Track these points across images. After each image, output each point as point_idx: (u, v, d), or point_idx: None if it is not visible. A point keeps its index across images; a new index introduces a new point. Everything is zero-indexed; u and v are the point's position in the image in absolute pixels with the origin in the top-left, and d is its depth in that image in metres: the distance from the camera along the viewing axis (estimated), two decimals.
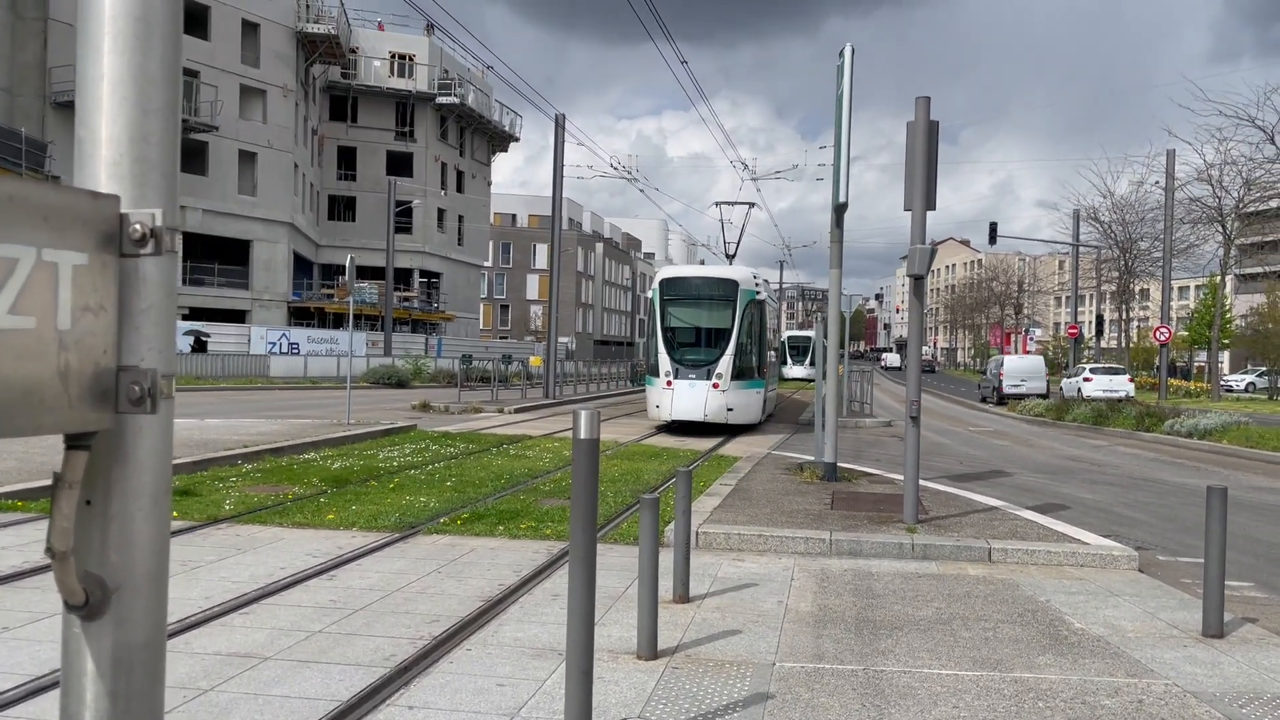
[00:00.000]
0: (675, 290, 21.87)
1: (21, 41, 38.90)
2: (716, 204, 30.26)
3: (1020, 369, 43.72)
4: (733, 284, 21.69)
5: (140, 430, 1.17)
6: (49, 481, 8.70)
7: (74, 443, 1.13)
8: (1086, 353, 71.45)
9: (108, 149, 1.17)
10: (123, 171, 1.17)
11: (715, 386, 20.69)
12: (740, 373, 21.29)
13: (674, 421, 20.85)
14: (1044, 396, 40.17)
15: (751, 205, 29.34)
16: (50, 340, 1.07)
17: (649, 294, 22.95)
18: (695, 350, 21.32)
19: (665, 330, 21.40)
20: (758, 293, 22.74)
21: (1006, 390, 42.02)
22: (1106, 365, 43.18)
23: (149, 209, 1.16)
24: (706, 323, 21.54)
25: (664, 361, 21.07)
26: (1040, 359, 47.64)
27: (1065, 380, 42.80)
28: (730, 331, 21.18)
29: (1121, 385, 38.62)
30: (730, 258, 29.86)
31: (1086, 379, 39.26)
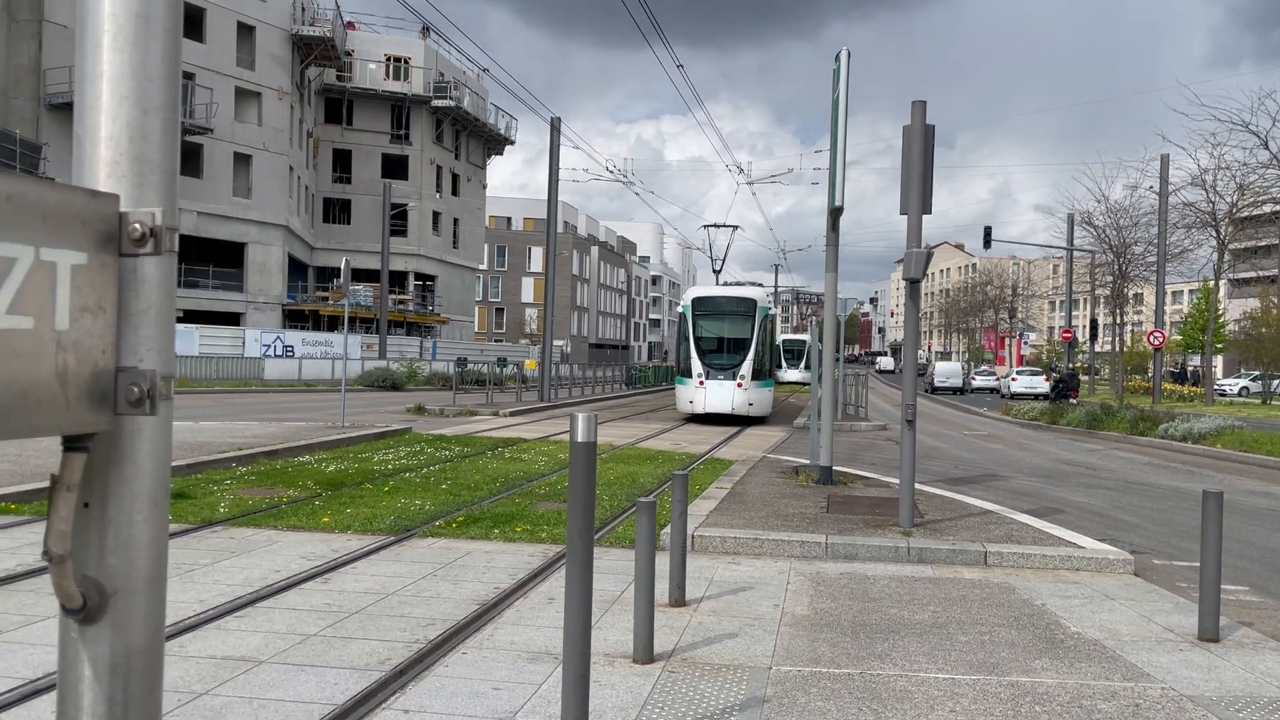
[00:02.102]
0: (705, 307, 26.49)
1: (16, 44, 38.81)
2: (704, 226, 37.95)
3: (945, 370, 61.61)
4: (751, 302, 26.56)
5: (139, 432, 1.16)
6: (43, 484, 8.68)
7: (72, 444, 1.12)
8: (1081, 357, 71.73)
9: (107, 148, 1.16)
10: (122, 170, 1.16)
11: (739, 385, 25.26)
12: (757, 374, 25.82)
13: (706, 413, 25.25)
14: (960, 390, 58.43)
15: (735, 228, 35.68)
16: (48, 341, 1.05)
17: (680, 309, 27.64)
18: (722, 356, 25.75)
19: (697, 339, 25.96)
20: (769, 309, 27.59)
21: (936, 384, 58.98)
22: (1030, 369, 58.85)
23: (149, 208, 1.15)
24: (731, 334, 26.10)
25: (696, 365, 25.58)
26: (958, 364, 68.26)
27: (1002, 380, 58.66)
28: (750, 341, 25.77)
29: (1039, 383, 50.71)
30: (716, 273, 35.67)
31: (1013, 379, 53.58)
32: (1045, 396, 40.36)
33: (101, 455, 1.15)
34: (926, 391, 56.80)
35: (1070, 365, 41.40)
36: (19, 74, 38.89)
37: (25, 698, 4.61)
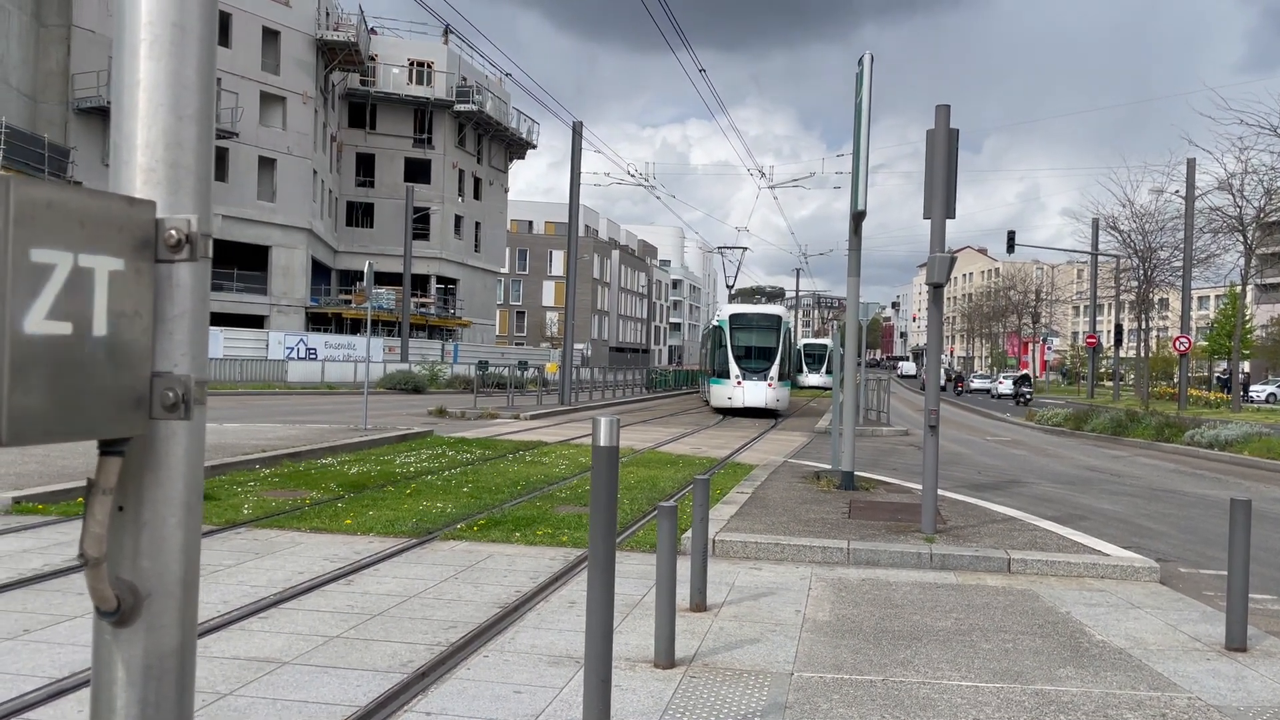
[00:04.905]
0: (740, 322, 32.99)
1: (45, 49, 39.26)
2: (719, 248, 46.52)
3: (906, 366, 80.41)
4: (778, 317, 33.59)
5: (173, 436, 1.17)
6: (71, 484, 8.77)
7: (108, 448, 1.13)
8: (1105, 362, 71.23)
9: (143, 154, 1.17)
10: (158, 177, 1.17)
11: (770, 385, 31.70)
12: (781, 376, 32.24)
13: (744, 408, 31.48)
14: (941, 388, 66.83)
15: (745, 249, 45.31)
16: (86, 346, 1.07)
17: (715, 322, 34.89)
18: (754, 361, 32.03)
19: (735, 348, 32.28)
20: (789, 322, 34.39)
21: (904, 373, 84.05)
22: (1014, 372, 66.63)
23: (184, 214, 1.16)
24: (761, 343, 32.46)
25: (734, 368, 31.91)
26: (912, 363, 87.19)
27: (991, 382, 67.88)
28: (777, 350, 32.26)
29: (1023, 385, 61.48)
30: (729, 288, 44.81)
31: (1000, 381, 62.84)
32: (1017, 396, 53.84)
33: (136, 459, 1.16)
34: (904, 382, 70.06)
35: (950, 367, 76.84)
36: (47, 79, 39.33)
37: (52, 697, 4.65)
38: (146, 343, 1.14)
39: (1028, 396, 52.00)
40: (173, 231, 1.14)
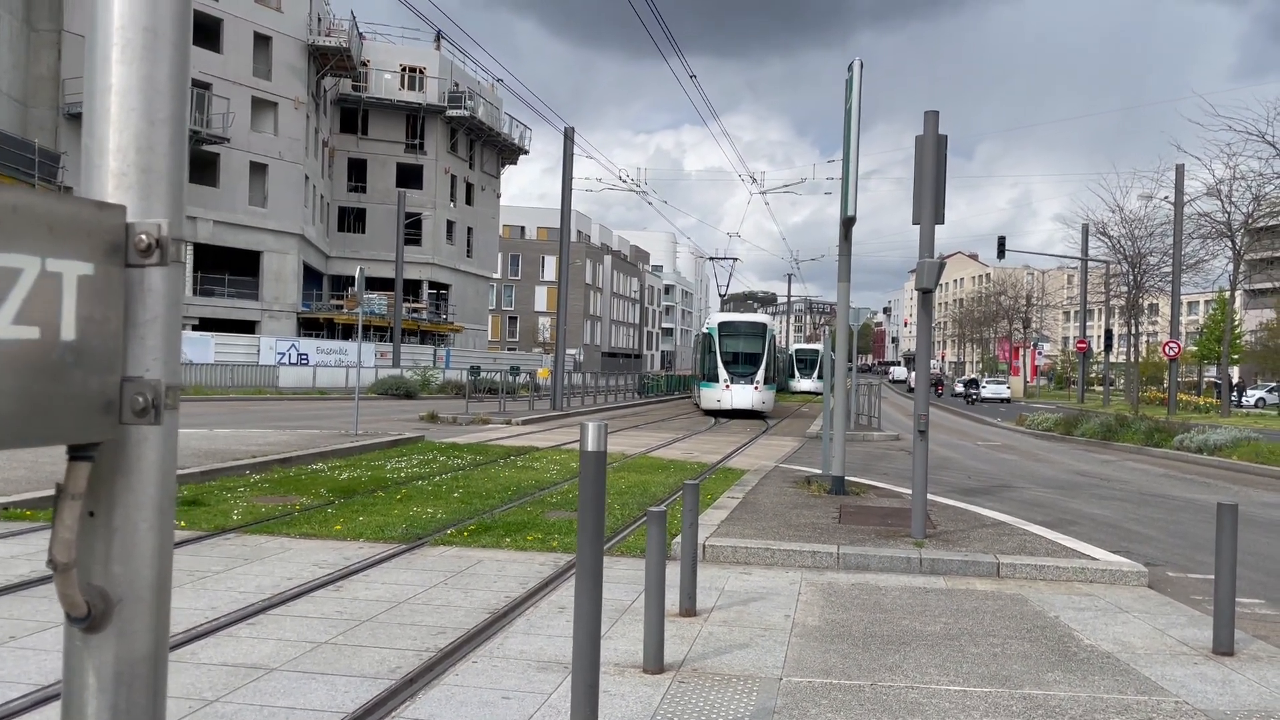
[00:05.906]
0: (728, 330, 35.34)
1: (35, 53, 39.16)
2: (711, 258, 47.94)
3: (900, 374, 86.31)
4: (763, 325, 35.90)
5: (144, 441, 1.17)
6: None
7: (77, 454, 1.13)
8: (1095, 367, 71.47)
9: (114, 159, 1.16)
10: (129, 182, 1.16)
11: (755, 388, 33.84)
12: (767, 379, 34.37)
13: (732, 410, 33.51)
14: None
15: (735, 259, 48.30)
16: (54, 351, 1.06)
17: (705, 329, 37.42)
18: (741, 366, 34.21)
19: (724, 353, 34.38)
20: (775, 330, 36.57)
21: (895, 379, 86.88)
22: (996, 378, 72.09)
23: (155, 219, 1.16)
24: (747, 349, 34.54)
25: (723, 372, 34.13)
26: (904, 368, 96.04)
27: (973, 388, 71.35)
28: (762, 355, 34.45)
29: (1003, 390, 66.15)
30: (721, 297, 46.72)
31: (984, 386, 66.69)
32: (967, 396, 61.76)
33: (107, 464, 1.16)
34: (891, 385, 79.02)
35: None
36: (38, 84, 39.22)
37: (37, 704, 4.63)
38: (117, 347, 1.13)
39: (974, 396, 60.82)
40: (143, 236, 1.14)
